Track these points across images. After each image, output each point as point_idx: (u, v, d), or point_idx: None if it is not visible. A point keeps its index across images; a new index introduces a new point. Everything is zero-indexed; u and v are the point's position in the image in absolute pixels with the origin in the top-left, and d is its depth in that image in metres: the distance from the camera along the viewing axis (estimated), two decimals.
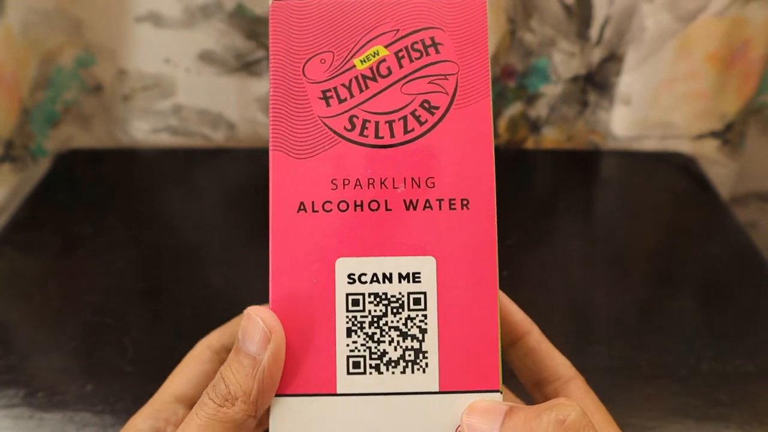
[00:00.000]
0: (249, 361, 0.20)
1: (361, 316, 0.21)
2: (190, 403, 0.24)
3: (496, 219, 0.21)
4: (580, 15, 0.52)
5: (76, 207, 0.52)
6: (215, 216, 0.51)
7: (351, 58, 0.22)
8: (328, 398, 0.20)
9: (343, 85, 0.22)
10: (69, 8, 0.53)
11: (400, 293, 0.21)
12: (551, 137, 0.59)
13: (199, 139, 0.59)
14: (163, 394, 0.25)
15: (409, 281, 0.21)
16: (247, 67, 0.55)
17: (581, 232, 0.49)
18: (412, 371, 0.20)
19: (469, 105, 0.21)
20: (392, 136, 0.21)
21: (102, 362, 0.38)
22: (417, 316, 0.20)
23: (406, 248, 0.21)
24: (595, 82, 0.56)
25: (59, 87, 0.56)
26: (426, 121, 0.21)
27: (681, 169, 0.56)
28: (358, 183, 0.21)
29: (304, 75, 0.22)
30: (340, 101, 0.22)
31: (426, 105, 0.21)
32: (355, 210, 0.21)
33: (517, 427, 0.18)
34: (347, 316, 0.21)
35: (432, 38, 0.22)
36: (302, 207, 0.21)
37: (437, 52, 0.22)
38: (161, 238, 0.48)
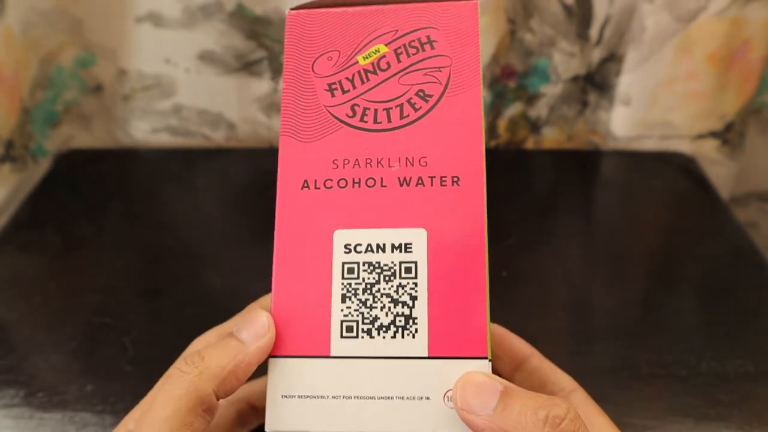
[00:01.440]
0: (236, 343, 0.21)
1: (356, 284, 0.22)
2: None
3: (485, 194, 0.22)
4: (580, 15, 0.52)
5: (76, 207, 0.52)
6: (215, 216, 0.51)
7: (355, 55, 0.24)
8: (322, 360, 0.21)
9: (347, 78, 0.24)
10: (69, 8, 0.53)
11: (392, 262, 0.22)
12: (551, 137, 0.59)
13: (199, 139, 0.59)
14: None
15: (401, 251, 0.22)
16: (247, 67, 0.55)
17: (581, 232, 0.49)
18: (402, 336, 0.21)
19: (460, 93, 0.23)
20: (389, 121, 0.23)
21: (102, 362, 0.38)
22: (408, 283, 0.22)
23: (399, 221, 0.22)
24: (595, 82, 0.56)
25: (59, 87, 0.57)
26: (420, 107, 0.23)
27: (681, 169, 0.56)
28: (357, 163, 0.23)
29: (313, 71, 0.24)
30: (344, 92, 0.24)
31: (421, 93, 0.23)
32: (353, 187, 0.23)
33: (511, 416, 0.19)
34: (342, 283, 0.22)
35: (428, 36, 0.24)
36: (306, 184, 0.23)
37: (432, 48, 0.24)
38: (161, 238, 0.48)
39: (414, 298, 0.21)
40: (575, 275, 0.45)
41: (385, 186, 0.22)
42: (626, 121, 0.56)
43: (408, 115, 0.23)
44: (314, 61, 0.24)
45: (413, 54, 0.24)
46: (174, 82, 0.56)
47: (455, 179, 0.22)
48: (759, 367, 0.37)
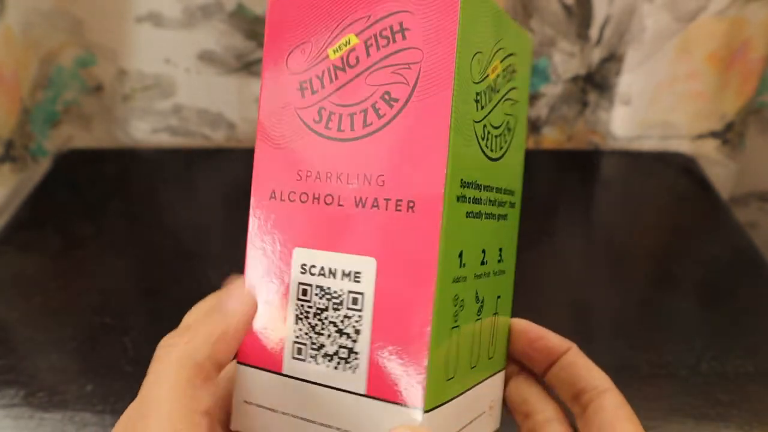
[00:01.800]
0: (219, 315, 0.21)
1: (308, 306, 0.21)
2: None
3: (441, 224, 0.19)
4: (580, 15, 0.52)
5: (76, 207, 0.52)
6: (215, 216, 0.51)
7: (326, 47, 0.21)
8: (275, 376, 0.21)
9: (317, 76, 0.21)
10: (69, 8, 0.53)
11: (341, 290, 0.20)
12: (551, 137, 0.59)
13: (199, 139, 0.59)
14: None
15: (350, 279, 0.20)
16: (247, 67, 0.55)
17: (581, 232, 0.49)
18: (344, 369, 0.20)
19: (428, 98, 0.19)
20: (352, 129, 0.20)
21: (102, 362, 0.38)
22: (353, 315, 0.20)
23: (351, 246, 0.20)
24: (595, 82, 0.56)
25: (59, 87, 0.57)
26: (384, 114, 0.20)
27: (681, 169, 0.55)
28: (318, 176, 0.21)
29: (287, 66, 0.22)
30: (313, 92, 0.21)
31: (386, 97, 0.20)
32: (313, 202, 0.21)
33: None
34: (297, 304, 0.21)
35: (401, 23, 0.20)
36: (273, 195, 0.22)
37: (404, 38, 0.20)
38: (161, 238, 0.48)
39: (357, 332, 0.20)
40: (575, 275, 0.45)
41: (342, 205, 0.20)
42: (626, 121, 0.56)
43: (371, 123, 0.20)
44: (289, 55, 0.21)
45: (383, 46, 0.20)
46: (174, 82, 0.56)
47: (411, 205, 0.19)
48: (759, 367, 0.37)
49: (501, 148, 0.22)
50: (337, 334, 0.20)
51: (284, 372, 0.21)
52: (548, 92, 0.56)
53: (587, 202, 0.53)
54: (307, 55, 0.21)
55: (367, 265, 0.20)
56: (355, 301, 0.20)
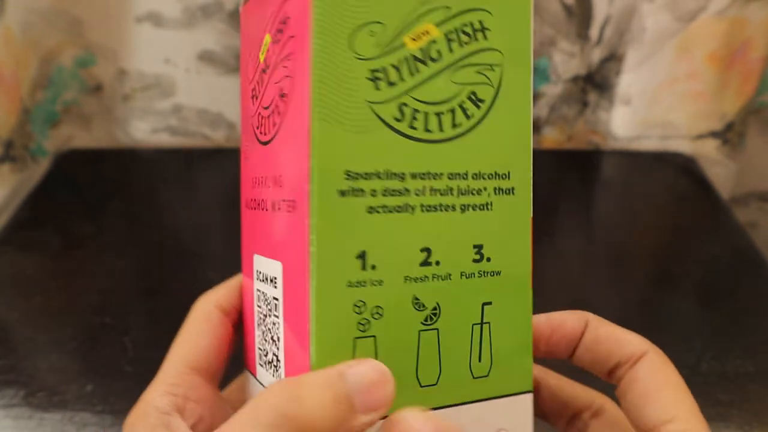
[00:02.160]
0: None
1: (260, 312, 0.21)
2: (207, 374, 0.21)
3: (310, 224, 0.17)
4: (580, 15, 0.52)
5: (76, 207, 0.52)
6: (215, 216, 0.51)
7: (258, 52, 0.20)
8: (254, 379, 0.22)
9: (258, 81, 0.21)
10: (69, 8, 0.53)
11: (270, 296, 0.20)
12: (551, 137, 0.59)
13: (199, 139, 0.59)
14: (177, 363, 0.22)
15: (272, 285, 0.19)
16: None
17: (581, 232, 0.49)
18: (277, 377, 0.19)
19: (297, 88, 0.18)
20: (267, 132, 0.20)
21: (102, 362, 0.38)
22: (277, 322, 0.19)
23: (269, 250, 0.19)
24: (595, 82, 0.56)
25: (59, 87, 0.57)
26: (282, 112, 0.19)
27: (681, 169, 0.55)
28: (258, 181, 0.21)
29: (246, 73, 0.22)
30: (256, 98, 0.21)
31: (281, 94, 0.19)
32: (256, 209, 0.21)
33: None
34: (256, 310, 0.21)
35: (286, 15, 0.19)
36: (247, 203, 0.22)
37: (287, 27, 0.19)
38: (161, 238, 0.48)
39: (278, 339, 0.19)
40: (575, 275, 0.45)
41: (266, 210, 0.20)
42: (626, 121, 0.56)
43: (276, 123, 0.19)
44: (247, 61, 0.21)
45: (278, 42, 0.19)
46: (174, 82, 0.56)
47: (293, 204, 0.18)
48: (759, 367, 0.37)
49: (457, 125, 0.19)
50: (272, 341, 0.20)
51: (257, 377, 0.21)
52: (548, 92, 0.56)
53: (587, 202, 0.53)
54: (252, 61, 0.21)
55: (277, 270, 0.19)
56: (275, 307, 0.19)
